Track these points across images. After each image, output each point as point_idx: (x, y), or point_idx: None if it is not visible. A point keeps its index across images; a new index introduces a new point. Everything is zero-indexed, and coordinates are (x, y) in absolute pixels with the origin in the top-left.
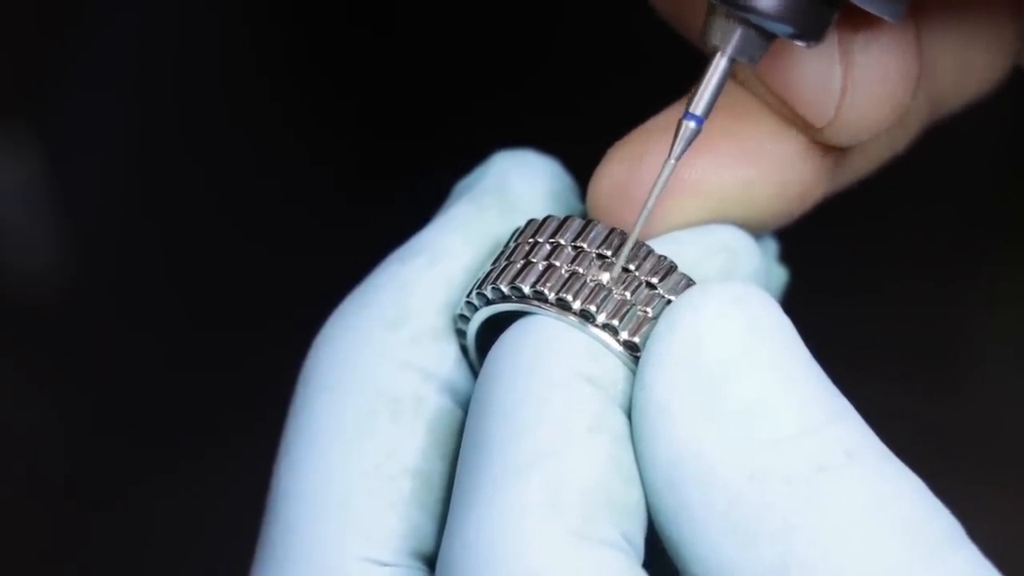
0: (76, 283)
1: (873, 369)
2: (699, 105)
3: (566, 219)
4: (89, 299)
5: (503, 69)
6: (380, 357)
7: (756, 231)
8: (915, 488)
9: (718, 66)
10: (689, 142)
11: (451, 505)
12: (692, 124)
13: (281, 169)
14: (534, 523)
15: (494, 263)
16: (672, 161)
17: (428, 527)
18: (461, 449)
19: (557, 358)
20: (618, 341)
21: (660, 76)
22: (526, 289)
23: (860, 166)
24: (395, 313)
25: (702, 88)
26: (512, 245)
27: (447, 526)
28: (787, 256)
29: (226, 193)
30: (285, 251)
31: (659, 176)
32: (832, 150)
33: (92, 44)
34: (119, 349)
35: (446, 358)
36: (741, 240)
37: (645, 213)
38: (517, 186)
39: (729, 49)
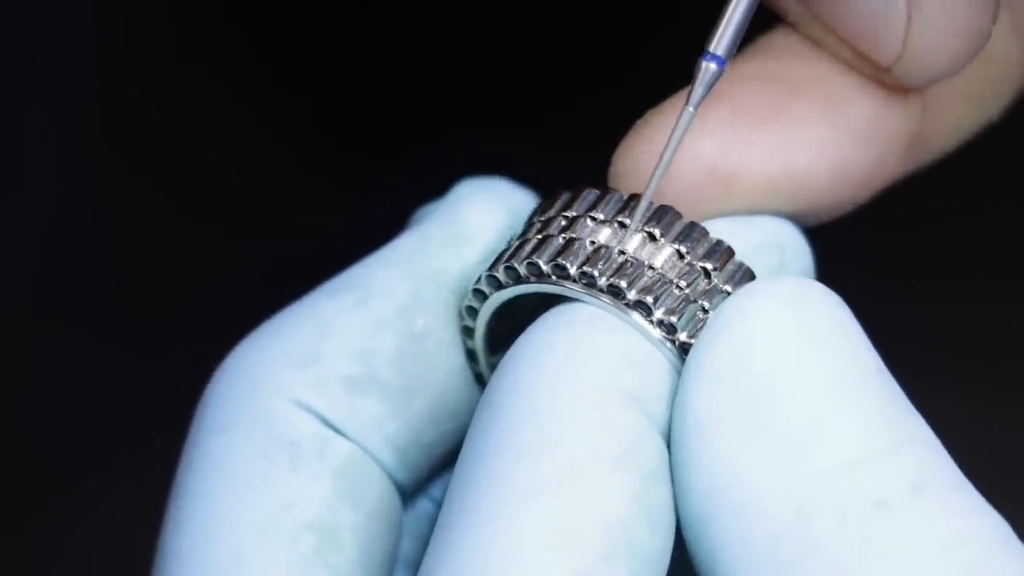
0: (8, 280)
1: (928, 376)
2: (720, 44)
3: (603, 192)
4: (25, 298)
5: (498, 54)
6: (279, 397)
7: (809, 222)
8: (991, 529)
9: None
10: (710, 86)
11: (437, 527)
12: (713, 65)
13: (244, 154)
14: (538, 555)
15: (510, 242)
16: (690, 108)
17: None
18: (457, 463)
19: (596, 362)
20: (673, 342)
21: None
22: (572, 270)
23: (944, 137)
24: (306, 352)
25: (723, 25)
26: (534, 221)
27: (429, 551)
28: (826, 248)
29: (180, 185)
30: (242, 239)
31: (676, 124)
32: (907, 123)
33: (36, 50)
34: (59, 347)
35: (357, 414)
36: (790, 235)
37: (663, 168)
38: (469, 216)
39: None
